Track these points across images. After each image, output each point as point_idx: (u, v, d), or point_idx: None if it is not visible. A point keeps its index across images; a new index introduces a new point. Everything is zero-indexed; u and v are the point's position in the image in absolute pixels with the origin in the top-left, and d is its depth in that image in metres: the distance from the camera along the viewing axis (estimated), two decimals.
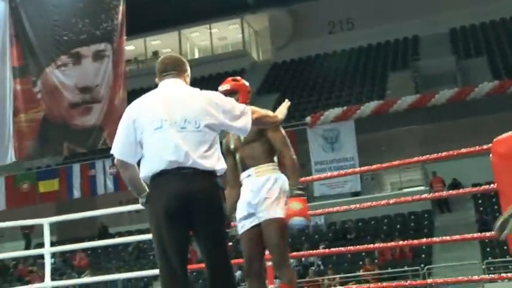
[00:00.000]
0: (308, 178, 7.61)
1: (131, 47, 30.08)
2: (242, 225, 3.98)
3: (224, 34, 33.22)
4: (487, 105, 19.27)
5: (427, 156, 5.55)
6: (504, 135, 4.39)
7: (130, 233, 19.84)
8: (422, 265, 15.46)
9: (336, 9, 29.70)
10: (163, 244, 3.14)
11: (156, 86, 3.59)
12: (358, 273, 15.95)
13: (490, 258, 15.30)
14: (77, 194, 21.47)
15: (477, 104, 19.54)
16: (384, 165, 6.06)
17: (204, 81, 29.46)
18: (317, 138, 21.10)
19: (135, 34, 25.10)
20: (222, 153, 3.42)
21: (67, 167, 22.28)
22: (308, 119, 21.15)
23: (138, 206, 3.68)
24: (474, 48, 26.06)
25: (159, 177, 3.17)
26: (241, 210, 3.99)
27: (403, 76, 25.06)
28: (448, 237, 5.42)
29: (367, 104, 21.42)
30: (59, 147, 11.89)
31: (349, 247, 6.61)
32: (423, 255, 16.77)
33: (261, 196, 3.86)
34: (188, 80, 3.53)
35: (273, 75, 29.85)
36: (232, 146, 4.11)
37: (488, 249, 16.01)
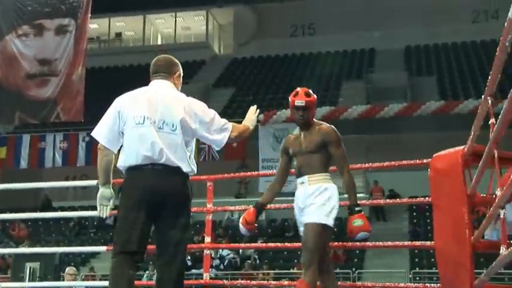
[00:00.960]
0: (254, 173, 7.65)
1: (95, 26, 29.61)
2: (299, 227, 4.22)
3: (189, 24, 33.04)
4: (432, 123, 19.69)
5: (370, 164, 5.65)
6: (443, 152, 4.51)
7: (73, 209, 19.55)
8: (353, 269, 15.71)
9: (300, 13, 29.89)
10: (129, 227, 3.35)
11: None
12: (291, 271, 16.10)
13: (417, 268, 15.67)
14: (24, 164, 21.03)
15: (422, 120, 19.93)
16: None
17: None
18: (267, 136, 21.20)
19: (101, 13, 24.71)
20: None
21: (17, 137, 21.79)
22: (261, 116, 21.25)
23: (86, 183, 3.89)
24: (426, 67, 26.59)
25: (134, 170, 3.40)
26: (296, 213, 4.24)
27: (356, 86, 25.42)
28: (380, 243, 5.54)
29: (319, 108, 21.63)
30: (10, 116, 11.66)
31: (285, 244, 6.67)
32: (356, 260, 17.04)
33: (308, 202, 4.07)
34: (180, 80, 3.73)
35: (232, 70, 29.85)
36: (291, 151, 4.28)
37: (416, 259, 16.37)
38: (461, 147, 4.32)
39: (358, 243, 5.32)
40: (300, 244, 7.08)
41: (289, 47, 29.76)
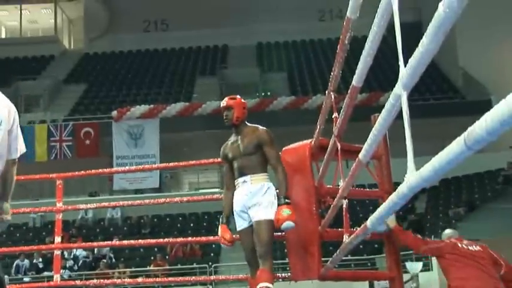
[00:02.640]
0: (106, 170, 7.47)
1: None
2: (240, 225, 4.48)
3: (35, 17, 31.57)
4: (283, 117, 20.32)
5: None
6: (291, 145, 4.66)
7: None
8: (210, 263, 15.85)
9: (152, 8, 29.59)
10: None
11: None
12: (148, 268, 15.93)
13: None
14: None
15: (274, 115, 20.51)
16: (182, 163, 6.14)
17: (9, 63, 27.77)
18: (122, 132, 20.80)
19: None
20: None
21: None
22: (114, 113, 20.80)
23: None
24: (276, 64, 27.34)
25: None
26: (237, 211, 4.48)
27: (210, 82, 25.62)
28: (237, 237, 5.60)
29: (174, 104, 21.58)
30: None
31: (140, 241, 6.60)
32: (212, 254, 17.19)
33: (255, 201, 4.36)
34: None
35: (83, 66, 28.93)
36: (230, 156, 4.54)
37: None
38: (309, 140, 4.48)
39: (212, 237, 5.37)
40: (155, 241, 7.03)
41: (143, 43, 29.37)
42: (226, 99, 4.63)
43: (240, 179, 4.48)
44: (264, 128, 4.54)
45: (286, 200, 4.25)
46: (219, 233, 4.59)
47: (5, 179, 3.25)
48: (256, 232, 4.36)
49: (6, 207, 3.27)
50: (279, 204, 4.26)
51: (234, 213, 4.53)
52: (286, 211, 4.19)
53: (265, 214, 4.32)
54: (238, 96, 4.68)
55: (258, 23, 28.73)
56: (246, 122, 4.60)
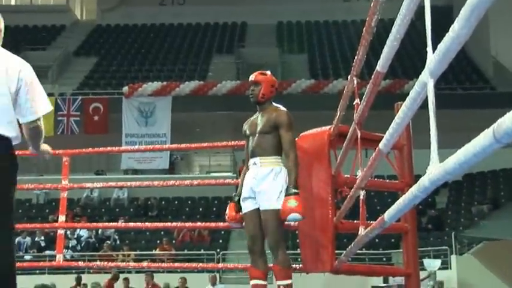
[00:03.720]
0: (114, 149, 7.50)
1: None
2: (245, 207, 4.46)
3: None
4: (301, 101, 20.25)
5: (236, 142, 5.72)
6: (309, 131, 4.66)
7: None
8: (218, 250, 15.93)
9: None
10: None
11: None
12: (154, 252, 16.05)
13: None
14: None
15: (292, 98, 20.40)
16: (194, 145, 6.16)
17: (18, 31, 27.87)
18: (132, 110, 20.85)
19: None
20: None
21: None
22: (125, 89, 20.84)
23: None
24: (297, 45, 27.22)
25: None
26: (244, 193, 4.45)
27: (227, 60, 25.58)
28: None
29: (188, 82, 21.57)
30: None
31: (146, 224, 6.63)
32: (221, 241, 17.28)
33: (263, 187, 4.32)
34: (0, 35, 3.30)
35: (95, 38, 28.98)
36: (247, 132, 4.55)
37: None
38: (328, 127, 4.48)
39: (221, 223, 5.39)
40: (162, 224, 7.06)
41: (158, 16, 29.34)
42: (256, 73, 4.60)
43: (251, 160, 4.46)
44: (285, 110, 4.48)
45: (294, 190, 4.18)
46: (227, 210, 4.59)
47: (31, 138, 3.31)
48: (264, 222, 4.35)
49: (43, 149, 3.54)
50: (286, 194, 4.20)
51: (241, 196, 4.52)
52: (292, 202, 4.13)
53: (273, 203, 4.27)
54: (268, 72, 4.64)
55: (279, 2, 28.58)
56: (272, 102, 4.54)
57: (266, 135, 4.39)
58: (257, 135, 4.43)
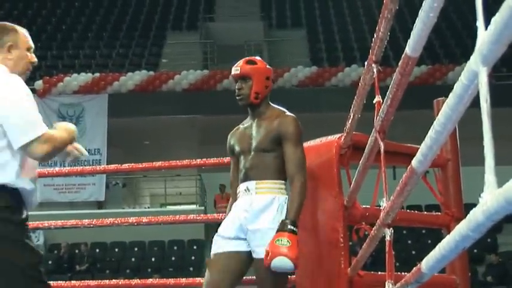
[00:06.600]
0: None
1: None
2: (219, 245, 4.35)
3: None
4: (299, 97, 20.13)
5: (204, 160, 5.74)
6: (311, 142, 4.67)
7: None
8: None
9: None
10: None
11: None
12: None
13: None
14: None
15: (285, 93, 20.21)
16: (141, 165, 6.06)
17: None
18: (49, 114, 20.73)
19: None
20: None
21: None
22: (38, 83, 20.68)
23: None
24: (291, 16, 27.32)
25: None
26: (227, 230, 4.35)
27: (188, 40, 25.52)
28: None
29: (131, 73, 21.44)
30: None
31: (72, 282, 6.57)
32: None
33: (260, 224, 4.23)
34: (11, 52, 3.93)
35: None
36: (237, 148, 4.48)
37: None
38: (337, 135, 4.50)
39: (183, 279, 5.39)
40: (95, 283, 7.07)
41: None
42: (240, 63, 4.47)
43: (242, 185, 4.39)
44: (291, 116, 4.39)
45: (290, 227, 4.13)
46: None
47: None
48: (258, 276, 4.32)
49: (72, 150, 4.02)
50: (278, 230, 4.12)
51: (216, 235, 4.43)
52: (284, 241, 4.06)
53: None
54: (258, 58, 4.56)
55: None
56: (269, 102, 4.48)
57: (265, 154, 4.35)
58: (252, 153, 4.39)
